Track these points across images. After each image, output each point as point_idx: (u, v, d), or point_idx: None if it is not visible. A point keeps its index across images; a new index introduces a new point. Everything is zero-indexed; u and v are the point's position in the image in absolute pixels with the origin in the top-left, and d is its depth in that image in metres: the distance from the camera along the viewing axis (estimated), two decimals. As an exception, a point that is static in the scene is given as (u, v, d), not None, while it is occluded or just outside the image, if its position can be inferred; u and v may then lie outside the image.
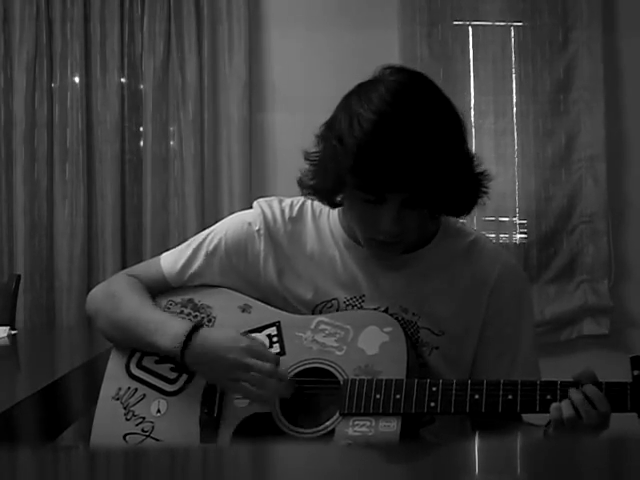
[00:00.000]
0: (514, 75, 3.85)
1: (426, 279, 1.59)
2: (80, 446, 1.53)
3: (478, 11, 3.83)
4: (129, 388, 1.63)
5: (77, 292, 3.60)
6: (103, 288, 1.73)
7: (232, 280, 1.65)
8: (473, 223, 3.61)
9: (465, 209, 1.54)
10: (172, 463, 0.82)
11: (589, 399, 1.40)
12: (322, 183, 1.52)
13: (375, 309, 1.58)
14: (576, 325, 3.84)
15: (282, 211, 1.66)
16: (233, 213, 1.74)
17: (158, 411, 1.60)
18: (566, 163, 3.83)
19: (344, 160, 1.44)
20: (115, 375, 1.65)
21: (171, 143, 3.74)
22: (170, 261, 1.69)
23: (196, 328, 1.56)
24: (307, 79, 3.77)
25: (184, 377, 1.61)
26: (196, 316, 1.65)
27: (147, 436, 1.58)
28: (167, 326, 1.58)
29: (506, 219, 3.83)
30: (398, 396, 1.46)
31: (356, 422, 1.47)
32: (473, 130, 3.68)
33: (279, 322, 1.59)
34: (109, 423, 1.61)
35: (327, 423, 1.49)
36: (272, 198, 1.69)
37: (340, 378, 1.51)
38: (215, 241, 1.66)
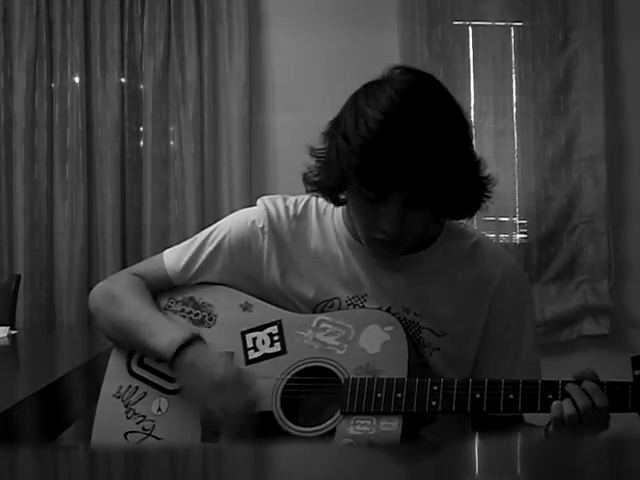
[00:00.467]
0: (514, 75, 3.85)
1: (428, 280, 1.59)
2: (80, 446, 1.53)
3: (478, 11, 3.83)
4: (130, 386, 1.63)
5: (77, 292, 3.60)
6: (104, 287, 1.72)
7: (235, 277, 1.65)
8: (473, 223, 3.60)
9: (467, 212, 1.54)
10: (173, 463, 0.82)
11: (587, 394, 1.40)
12: (326, 180, 1.52)
13: (377, 309, 1.57)
14: (576, 325, 3.84)
15: (286, 209, 1.65)
16: (233, 213, 1.74)
17: (159, 409, 1.60)
18: (566, 163, 3.83)
19: (348, 158, 1.44)
20: (116, 373, 1.65)
21: (171, 143, 3.74)
22: (173, 259, 1.69)
23: (190, 341, 1.56)
24: (307, 79, 3.77)
25: (184, 376, 1.60)
26: (197, 314, 1.64)
27: (148, 434, 1.58)
28: (164, 331, 1.58)
29: (506, 219, 3.83)
30: (399, 395, 1.46)
31: (357, 421, 1.47)
32: (473, 130, 3.67)
33: (280, 321, 1.59)
34: (110, 421, 1.61)
35: (328, 422, 1.49)
36: (276, 196, 1.69)
37: (341, 377, 1.51)
38: (219, 238, 1.66)
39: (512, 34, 3.86)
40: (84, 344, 2.90)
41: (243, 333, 1.60)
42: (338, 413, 1.49)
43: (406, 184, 1.43)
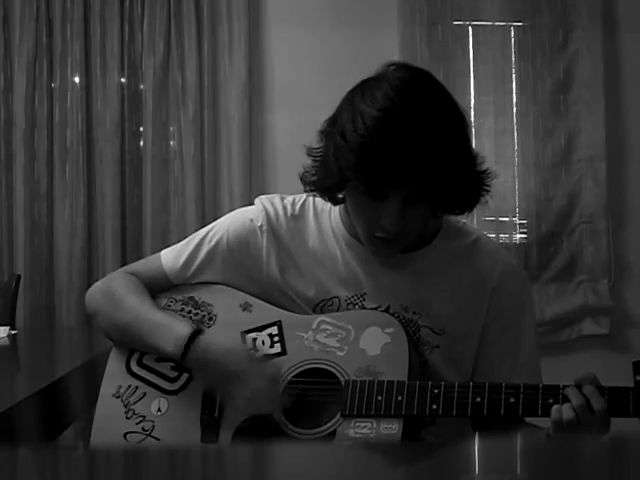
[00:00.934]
0: (514, 75, 3.85)
1: (427, 278, 1.59)
2: (80, 446, 1.52)
3: (478, 11, 3.83)
4: (129, 386, 1.62)
5: (77, 292, 3.60)
6: (102, 286, 1.71)
7: (234, 276, 1.64)
8: (473, 223, 3.61)
9: (467, 207, 1.54)
10: (172, 463, 0.82)
11: (586, 398, 1.40)
12: (324, 179, 1.52)
13: (376, 307, 1.57)
14: (576, 325, 3.84)
15: (284, 208, 1.65)
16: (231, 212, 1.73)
17: (159, 410, 1.59)
18: (566, 163, 3.83)
19: (347, 156, 1.43)
20: (115, 373, 1.64)
21: (171, 143, 3.74)
22: (171, 258, 1.68)
23: (197, 332, 1.55)
24: (307, 79, 3.77)
25: (185, 376, 1.60)
26: (197, 314, 1.64)
27: (147, 435, 1.58)
28: (169, 329, 1.57)
29: (506, 219, 3.83)
30: (400, 398, 1.46)
31: (357, 424, 1.47)
32: (473, 130, 3.68)
33: (280, 321, 1.59)
34: (109, 421, 1.60)
35: (328, 424, 1.48)
36: (273, 195, 1.68)
37: (341, 379, 1.51)
38: (217, 237, 1.65)
39: (512, 34, 3.86)
40: (84, 344, 2.90)
41: (243, 333, 1.60)
42: (338, 415, 1.48)
43: (406, 181, 1.43)
